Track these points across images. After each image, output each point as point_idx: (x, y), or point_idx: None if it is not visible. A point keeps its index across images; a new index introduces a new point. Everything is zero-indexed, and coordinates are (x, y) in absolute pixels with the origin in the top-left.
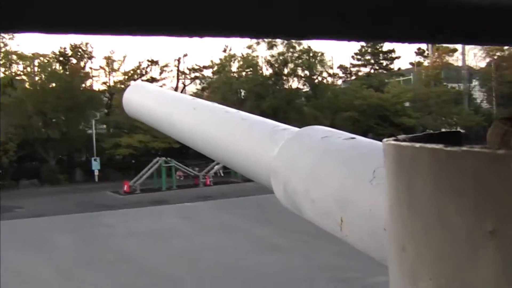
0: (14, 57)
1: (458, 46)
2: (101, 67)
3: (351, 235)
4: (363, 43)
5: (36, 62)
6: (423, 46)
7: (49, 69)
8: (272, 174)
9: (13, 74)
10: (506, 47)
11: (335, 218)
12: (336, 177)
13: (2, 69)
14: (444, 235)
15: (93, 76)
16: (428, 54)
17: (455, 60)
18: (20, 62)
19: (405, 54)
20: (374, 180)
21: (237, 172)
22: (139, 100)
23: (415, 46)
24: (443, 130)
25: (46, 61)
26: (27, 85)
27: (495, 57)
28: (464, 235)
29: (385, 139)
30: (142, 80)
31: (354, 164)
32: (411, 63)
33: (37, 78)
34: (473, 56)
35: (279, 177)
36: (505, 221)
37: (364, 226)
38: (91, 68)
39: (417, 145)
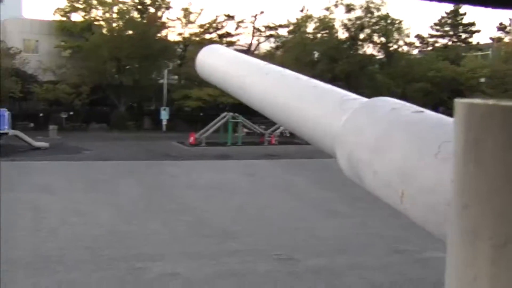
0: (95, 2)
1: None
2: (177, 18)
3: (411, 208)
4: (443, 14)
5: (115, 9)
6: (506, 21)
7: (127, 16)
8: (337, 142)
9: (92, 19)
10: None
11: (396, 191)
12: (401, 150)
13: (82, 13)
14: (509, 196)
15: (169, 27)
16: (510, 30)
17: None
18: (100, 8)
19: (485, 29)
20: (439, 155)
21: (303, 139)
22: (212, 62)
23: (497, 21)
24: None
25: (125, 8)
26: (104, 30)
27: None
28: None
29: (457, 99)
30: (217, 34)
31: (420, 137)
32: (491, 38)
33: (114, 25)
34: None
35: (344, 146)
36: None
37: (425, 201)
38: (168, 18)
39: (490, 102)
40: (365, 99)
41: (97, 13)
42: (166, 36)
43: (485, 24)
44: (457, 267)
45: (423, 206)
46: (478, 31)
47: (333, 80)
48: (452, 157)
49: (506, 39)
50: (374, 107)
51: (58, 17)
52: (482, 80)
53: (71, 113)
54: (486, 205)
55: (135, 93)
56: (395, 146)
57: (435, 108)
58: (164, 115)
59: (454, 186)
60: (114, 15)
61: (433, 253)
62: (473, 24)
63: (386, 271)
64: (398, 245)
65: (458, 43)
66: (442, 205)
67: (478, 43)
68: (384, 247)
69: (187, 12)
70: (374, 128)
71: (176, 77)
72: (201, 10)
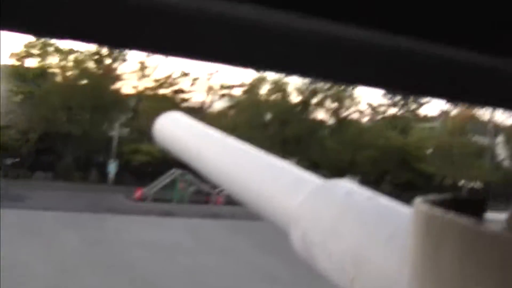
0: (51, 49)
1: None
2: (133, 71)
3: None
4: None
5: (71, 57)
6: None
7: (83, 65)
8: (293, 222)
9: (47, 66)
10: None
11: (348, 274)
12: (355, 235)
13: (38, 59)
14: None
15: (124, 79)
16: (457, 103)
17: (483, 113)
18: (56, 55)
19: (435, 101)
20: (391, 243)
21: (256, 214)
22: (170, 131)
23: None
24: (470, 195)
25: (81, 57)
26: (58, 78)
27: None
28: None
29: (417, 199)
30: (172, 90)
31: (373, 224)
32: (439, 111)
33: (69, 73)
34: (501, 111)
35: (298, 227)
36: None
37: (375, 286)
38: (123, 70)
39: (449, 216)
40: (320, 181)
41: (53, 60)
42: (120, 88)
43: None
44: None
45: None
46: (427, 103)
47: (284, 142)
48: (403, 247)
49: (454, 113)
50: (329, 190)
51: (12, 62)
52: (429, 151)
53: (17, 159)
54: None
55: (84, 143)
56: (349, 231)
57: (382, 176)
58: (112, 168)
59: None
60: (70, 63)
61: None
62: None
63: None
64: None
65: (408, 114)
66: None
67: (427, 115)
68: None
69: (143, 66)
70: (329, 211)
71: (127, 130)
72: (157, 65)
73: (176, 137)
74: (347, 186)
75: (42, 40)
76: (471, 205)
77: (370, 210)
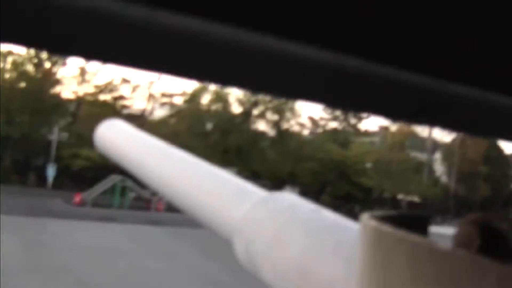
0: None
1: None
2: (73, 76)
3: None
4: None
5: (9, 59)
6: None
7: (21, 68)
8: (236, 233)
9: None
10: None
11: (293, 285)
12: (299, 246)
13: None
14: None
15: (63, 84)
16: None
17: (422, 130)
18: None
19: (374, 116)
20: (335, 254)
21: (200, 224)
22: (112, 138)
23: None
24: (414, 211)
25: (20, 60)
26: None
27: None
28: None
29: (364, 215)
30: (112, 97)
31: (317, 236)
32: (379, 126)
33: (7, 76)
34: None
35: (242, 238)
36: None
37: None
38: (63, 75)
39: (399, 234)
40: (263, 193)
41: None
42: (60, 92)
43: None
44: None
45: None
46: (367, 118)
47: (225, 152)
48: (346, 258)
49: (393, 129)
50: (273, 201)
51: None
52: (368, 165)
53: None
54: None
55: (23, 146)
56: (293, 242)
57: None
58: (51, 172)
59: None
60: (8, 66)
61: None
62: None
63: None
64: None
65: (348, 128)
66: None
67: (366, 129)
68: None
69: (83, 71)
70: (273, 222)
71: (66, 134)
72: (98, 70)
73: (117, 144)
74: (290, 198)
75: None
76: (417, 221)
77: (314, 222)
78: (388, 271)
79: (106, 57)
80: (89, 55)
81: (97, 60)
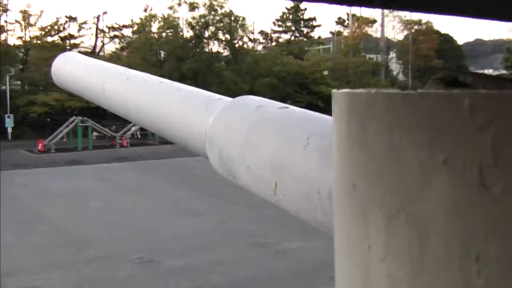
0: None
1: (378, 17)
2: (16, 21)
3: (284, 199)
4: (284, 10)
5: None
6: (343, 15)
7: None
8: (208, 142)
9: None
10: (424, 21)
11: (269, 183)
12: (271, 144)
13: None
14: (397, 169)
15: (8, 30)
16: (348, 24)
17: (374, 31)
18: None
19: (325, 23)
20: (308, 146)
21: (172, 141)
22: (69, 70)
23: (336, 15)
24: None
25: None
26: None
27: (413, 31)
28: (417, 167)
29: (334, 90)
30: (59, 37)
31: (288, 131)
32: (331, 32)
33: None
34: (391, 28)
35: (214, 145)
36: (456, 150)
37: (297, 190)
38: (6, 21)
39: (373, 91)
40: (229, 99)
41: None
42: (5, 40)
43: (325, 19)
44: (349, 242)
45: (295, 195)
46: (319, 26)
47: (181, 79)
48: (319, 148)
49: (345, 33)
50: (240, 105)
51: None
52: (326, 73)
53: None
54: (375, 182)
55: None
56: (265, 140)
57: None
58: (9, 122)
59: (338, 170)
60: None
61: (290, 244)
62: (313, 19)
63: (247, 264)
64: (257, 239)
65: (301, 38)
66: (314, 193)
67: (319, 37)
68: (243, 242)
69: (26, 15)
70: (243, 125)
71: (19, 82)
72: (41, 12)
73: (76, 75)
74: (256, 99)
75: None
76: None
77: (284, 118)
78: (365, 130)
79: None
80: None
81: None
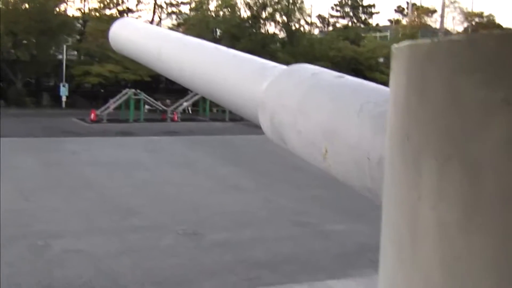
0: None
1: (438, 8)
2: None
3: (334, 164)
4: None
5: None
6: (403, 3)
7: None
8: (260, 107)
9: None
10: (486, 14)
11: (319, 148)
12: (324, 110)
13: None
14: (455, 111)
15: (68, 1)
16: (407, 12)
17: (434, 21)
18: None
19: (384, 11)
20: (361, 114)
21: (225, 108)
22: (127, 35)
23: (395, 3)
24: None
25: None
26: None
27: (473, 23)
28: (476, 106)
29: (395, 44)
30: (118, 10)
31: (342, 98)
32: (389, 20)
33: None
34: (451, 19)
35: (267, 110)
36: None
37: (348, 156)
38: None
39: (435, 39)
40: (284, 67)
41: None
42: (65, 10)
43: (384, 6)
44: (398, 194)
45: (345, 161)
46: (377, 13)
47: None
48: (373, 116)
49: (404, 21)
50: (295, 72)
51: None
52: (381, 60)
53: None
54: (431, 128)
55: (33, 68)
56: (318, 107)
57: None
58: (64, 91)
59: (392, 124)
60: None
61: (334, 226)
62: (372, 6)
63: (289, 243)
64: (300, 218)
65: (358, 24)
66: (365, 159)
67: (377, 24)
68: (287, 220)
69: None
70: (297, 91)
71: (75, 52)
72: None
73: (133, 40)
74: (311, 67)
75: None
76: None
77: (339, 87)
78: (424, 79)
79: None
80: None
81: None
